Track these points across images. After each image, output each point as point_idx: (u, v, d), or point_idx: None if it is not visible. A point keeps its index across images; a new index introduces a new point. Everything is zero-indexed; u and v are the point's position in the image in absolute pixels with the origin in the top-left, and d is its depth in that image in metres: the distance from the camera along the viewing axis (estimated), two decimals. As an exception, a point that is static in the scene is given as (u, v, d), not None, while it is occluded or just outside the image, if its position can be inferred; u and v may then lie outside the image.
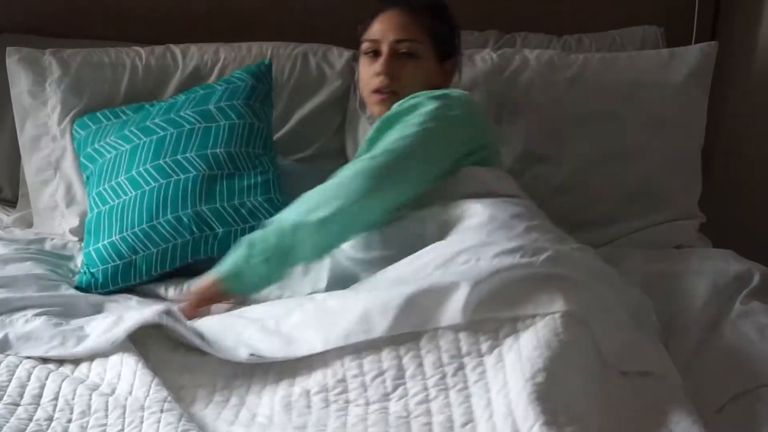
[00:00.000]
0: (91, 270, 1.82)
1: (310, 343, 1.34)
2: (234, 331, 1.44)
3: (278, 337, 1.39)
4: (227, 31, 2.31)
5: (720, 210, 2.27)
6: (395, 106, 1.76)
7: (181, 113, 1.96)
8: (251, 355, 1.37)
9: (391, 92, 1.82)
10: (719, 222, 2.22)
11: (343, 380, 1.29)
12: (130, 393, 1.32)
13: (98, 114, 2.05)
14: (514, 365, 1.22)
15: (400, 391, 1.25)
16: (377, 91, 1.83)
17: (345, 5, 2.30)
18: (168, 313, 1.44)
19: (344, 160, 2.20)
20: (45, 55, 2.12)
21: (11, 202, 2.27)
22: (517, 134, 2.09)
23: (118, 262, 1.81)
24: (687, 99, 2.14)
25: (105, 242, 1.83)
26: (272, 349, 1.37)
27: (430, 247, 1.53)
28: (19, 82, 2.10)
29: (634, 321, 1.43)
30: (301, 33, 2.29)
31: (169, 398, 1.28)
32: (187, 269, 1.81)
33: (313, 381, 1.31)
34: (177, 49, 2.20)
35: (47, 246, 1.95)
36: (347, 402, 1.26)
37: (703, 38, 2.31)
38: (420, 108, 1.71)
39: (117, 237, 1.83)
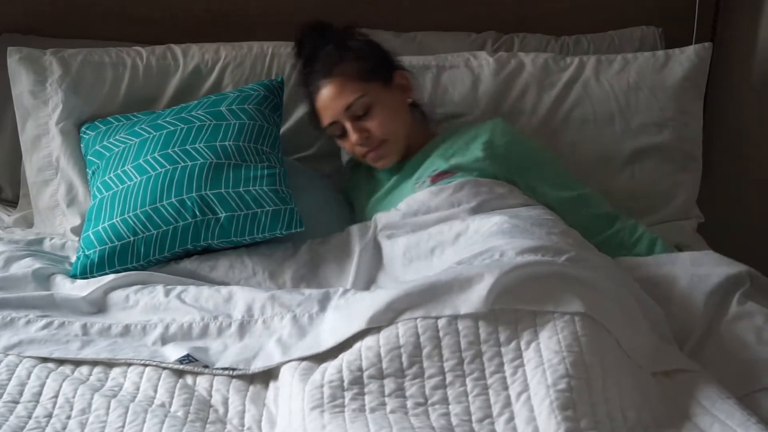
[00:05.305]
0: (87, 252, 1.79)
1: (336, 335, 1.37)
2: (263, 331, 1.52)
3: (312, 338, 1.43)
4: (227, 31, 2.32)
5: (718, 210, 2.28)
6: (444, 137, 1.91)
7: (193, 113, 1.97)
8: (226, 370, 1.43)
9: (378, 145, 1.88)
10: (717, 222, 2.23)
11: (357, 356, 1.30)
12: (136, 394, 1.33)
13: (109, 118, 2.06)
14: (536, 369, 1.23)
15: (415, 369, 1.27)
16: (368, 153, 1.89)
17: (344, 5, 2.30)
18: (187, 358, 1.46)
19: (343, 160, 2.21)
20: (46, 55, 2.11)
21: (12, 202, 2.27)
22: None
23: (117, 243, 1.78)
24: (683, 100, 2.14)
25: (105, 224, 1.81)
26: (304, 348, 1.40)
27: (451, 249, 1.59)
28: (20, 82, 2.10)
29: (651, 326, 1.45)
30: (301, 33, 2.29)
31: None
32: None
33: (333, 363, 1.32)
34: (178, 49, 2.20)
35: (46, 246, 1.95)
36: (360, 370, 1.27)
37: (703, 39, 2.31)
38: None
39: (118, 219, 1.80)
